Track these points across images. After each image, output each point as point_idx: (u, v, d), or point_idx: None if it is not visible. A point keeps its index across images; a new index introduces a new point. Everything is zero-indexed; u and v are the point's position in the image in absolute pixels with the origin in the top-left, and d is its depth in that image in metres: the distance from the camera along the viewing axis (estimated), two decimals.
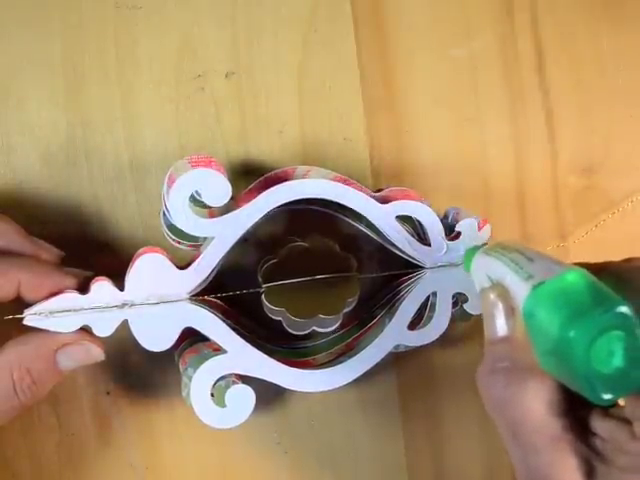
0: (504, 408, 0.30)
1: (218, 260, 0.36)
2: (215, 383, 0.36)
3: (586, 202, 0.48)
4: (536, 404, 0.29)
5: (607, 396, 0.27)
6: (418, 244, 0.39)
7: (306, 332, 0.40)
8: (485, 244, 0.37)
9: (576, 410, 0.30)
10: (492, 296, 0.32)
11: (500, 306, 0.32)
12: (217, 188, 0.35)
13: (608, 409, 0.30)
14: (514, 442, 0.30)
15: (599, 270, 0.29)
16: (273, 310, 0.40)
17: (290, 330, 0.40)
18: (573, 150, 0.48)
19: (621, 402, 0.30)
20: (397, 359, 0.45)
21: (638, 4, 0.48)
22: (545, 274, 0.29)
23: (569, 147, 0.48)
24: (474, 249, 0.37)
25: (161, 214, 0.37)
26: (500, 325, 0.32)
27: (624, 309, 0.27)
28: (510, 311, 0.32)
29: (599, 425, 0.30)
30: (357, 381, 0.39)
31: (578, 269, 0.29)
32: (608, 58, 0.48)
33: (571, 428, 0.30)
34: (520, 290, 0.30)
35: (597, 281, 0.28)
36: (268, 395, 0.43)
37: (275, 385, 0.38)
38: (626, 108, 0.49)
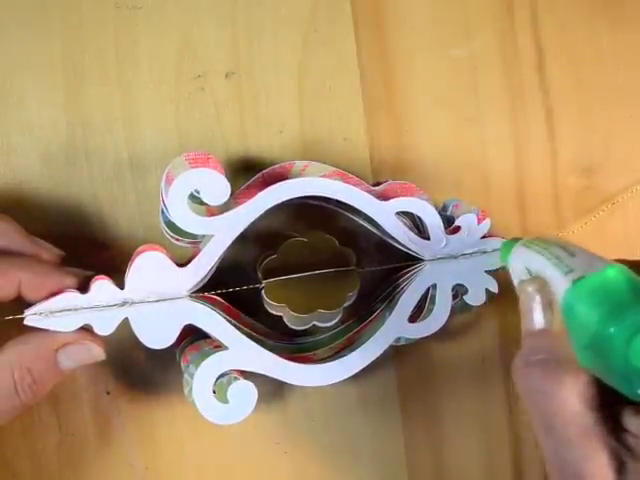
0: (539, 400, 0.30)
1: (217, 258, 0.36)
2: (217, 380, 0.36)
3: (586, 202, 0.48)
4: (571, 397, 0.29)
5: None
6: (417, 238, 0.39)
7: (306, 327, 0.40)
8: (522, 238, 0.38)
9: (609, 406, 0.30)
10: (530, 289, 0.32)
11: (538, 299, 0.32)
12: (216, 187, 0.35)
13: None
14: (547, 434, 0.30)
15: (638, 266, 0.30)
16: (273, 306, 0.40)
17: (291, 325, 0.40)
18: (573, 150, 0.48)
19: None
20: (396, 355, 0.45)
21: (638, 3, 0.48)
22: (586, 269, 0.29)
23: (569, 146, 0.48)
24: (512, 241, 0.37)
25: (159, 212, 0.37)
26: (538, 318, 0.32)
27: None
28: (548, 304, 0.32)
29: (632, 422, 0.30)
30: (356, 379, 0.39)
31: (619, 265, 0.29)
32: (608, 57, 0.48)
33: (604, 423, 0.30)
34: (560, 284, 0.30)
35: (637, 277, 0.29)
36: (267, 395, 0.43)
37: (275, 382, 0.37)
38: (626, 108, 0.49)
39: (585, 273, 0.29)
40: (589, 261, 0.30)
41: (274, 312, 0.40)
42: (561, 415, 0.30)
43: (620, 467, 0.29)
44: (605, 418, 0.30)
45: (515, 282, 0.35)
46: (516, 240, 0.36)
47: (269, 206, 0.36)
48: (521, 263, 0.35)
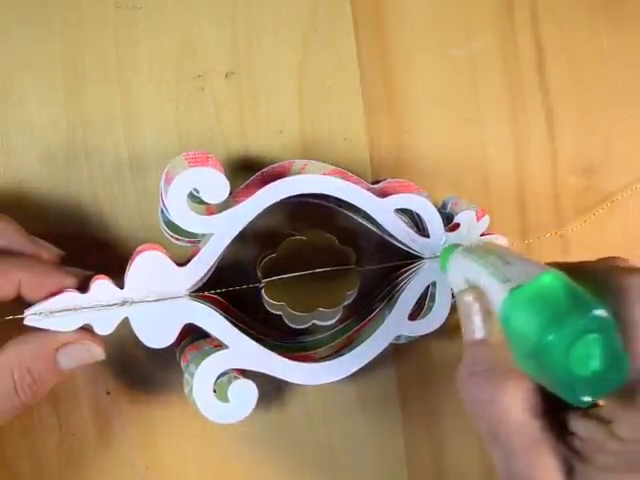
0: (483, 410, 0.30)
1: (217, 256, 0.36)
2: (217, 379, 0.36)
3: (586, 202, 0.48)
4: (515, 406, 0.29)
5: (586, 398, 0.27)
6: (417, 236, 0.39)
7: (306, 326, 0.40)
8: (460, 245, 0.37)
9: (555, 411, 0.30)
10: (468, 299, 0.32)
11: (477, 309, 0.32)
12: (215, 186, 0.35)
13: (587, 409, 0.30)
14: (495, 444, 0.30)
15: (575, 270, 0.29)
16: (273, 305, 0.40)
17: (290, 324, 0.40)
18: (573, 150, 0.48)
19: (600, 402, 0.30)
20: (396, 354, 0.45)
21: (638, 3, 0.48)
22: (522, 277, 0.29)
23: (569, 146, 0.48)
24: (449, 249, 0.37)
25: (159, 211, 0.37)
26: (477, 328, 0.32)
27: (601, 312, 0.27)
28: (487, 313, 0.32)
29: (578, 425, 0.30)
30: (356, 378, 0.38)
31: (555, 272, 0.28)
32: (608, 57, 0.48)
33: (550, 429, 0.30)
34: (497, 293, 0.30)
35: (573, 283, 0.28)
36: (267, 394, 0.43)
37: (275, 381, 0.37)
38: (626, 108, 0.49)
39: (521, 282, 0.29)
40: (525, 269, 0.30)
41: (274, 311, 0.40)
42: (506, 424, 0.30)
43: (569, 471, 0.29)
44: (551, 423, 0.30)
45: (454, 290, 0.35)
46: (455, 247, 0.36)
47: (268, 204, 0.36)
48: (459, 272, 0.34)
